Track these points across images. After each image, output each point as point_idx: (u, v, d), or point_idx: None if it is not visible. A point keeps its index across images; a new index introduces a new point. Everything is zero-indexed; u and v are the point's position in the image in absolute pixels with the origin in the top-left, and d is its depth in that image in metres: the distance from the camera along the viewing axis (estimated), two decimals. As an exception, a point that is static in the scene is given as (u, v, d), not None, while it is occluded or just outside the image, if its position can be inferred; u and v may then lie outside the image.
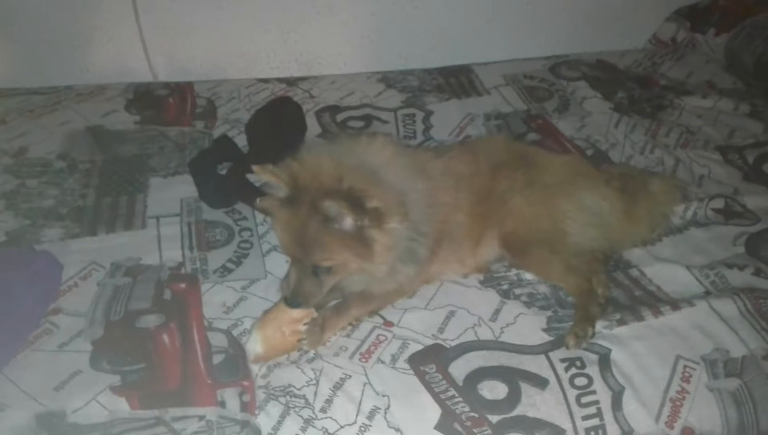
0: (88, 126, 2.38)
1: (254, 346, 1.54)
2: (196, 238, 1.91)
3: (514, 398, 1.49)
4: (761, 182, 2.21)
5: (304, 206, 1.45)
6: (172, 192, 2.08)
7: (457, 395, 1.49)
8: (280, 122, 2.30)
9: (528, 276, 1.81)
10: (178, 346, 1.57)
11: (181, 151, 2.28)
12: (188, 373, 1.52)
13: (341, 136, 2.21)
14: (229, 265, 1.83)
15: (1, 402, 1.44)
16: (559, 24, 3.17)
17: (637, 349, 1.60)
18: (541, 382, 1.53)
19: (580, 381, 1.53)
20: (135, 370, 1.52)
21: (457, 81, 2.79)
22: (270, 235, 1.92)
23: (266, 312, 1.61)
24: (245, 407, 1.46)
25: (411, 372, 1.54)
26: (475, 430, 1.44)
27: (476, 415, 1.46)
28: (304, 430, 1.42)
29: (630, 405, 1.50)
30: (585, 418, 1.48)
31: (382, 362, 1.56)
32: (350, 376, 1.53)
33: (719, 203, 2.09)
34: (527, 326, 1.67)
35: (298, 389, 1.49)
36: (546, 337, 1.64)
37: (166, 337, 1.59)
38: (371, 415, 1.46)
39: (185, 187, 2.10)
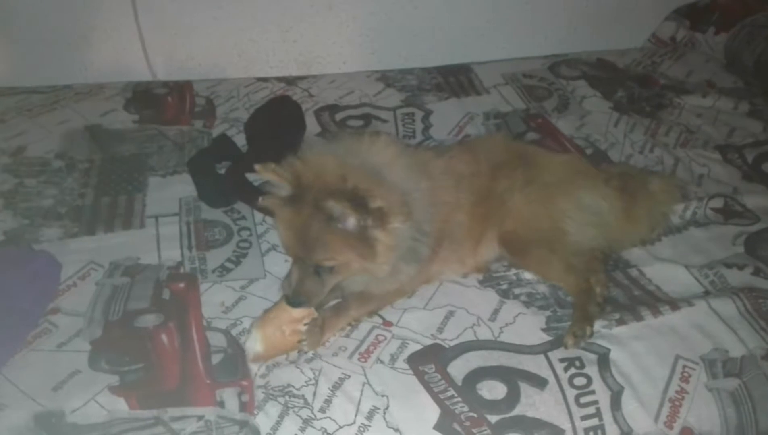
0: (86, 125, 2.38)
1: (254, 344, 1.54)
2: (195, 238, 1.91)
3: (513, 398, 1.49)
4: (761, 181, 2.21)
5: (306, 205, 1.45)
6: (170, 191, 2.08)
7: (456, 395, 1.49)
8: (279, 121, 2.29)
9: (527, 275, 1.81)
10: (177, 346, 1.57)
11: (180, 151, 2.28)
12: (187, 373, 1.52)
13: (343, 134, 2.21)
14: (228, 265, 1.83)
15: (-1, 402, 1.44)
16: (559, 23, 3.17)
17: (637, 349, 1.60)
18: (540, 382, 1.52)
19: (579, 381, 1.53)
20: (134, 369, 1.52)
21: (456, 80, 2.79)
22: (269, 234, 1.92)
23: (266, 311, 1.61)
24: (244, 407, 1.46)
25: (410, 372, 1.54)
26: (474, 430, 1.44)
27: (475, 415, 1.46)
28: (303, 430, 1.42)
29: (629, 405, 1.50)
30: (584, 418, 1.48)
31: (381, 362, 1.56)
32: (349, 376, 1.52)
33: (719, 203, 2.09)
34: (526, 326, 1.66)
35: (297, 389, 1.49)
36: (545, 337, 1.64)
37: (164, 337, 1.59)
38: (370, 415, 1.45)
39: (184, 186, 2.09)
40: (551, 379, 1.53)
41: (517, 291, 1.77)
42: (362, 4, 2.92)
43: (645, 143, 2.39)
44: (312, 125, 2.43)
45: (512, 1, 3.06)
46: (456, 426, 1.44)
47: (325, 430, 1.43)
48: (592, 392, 1.52)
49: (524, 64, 2.91)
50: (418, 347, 1.60)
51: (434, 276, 1.77)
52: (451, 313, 1.69)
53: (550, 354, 1.58)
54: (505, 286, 1.78)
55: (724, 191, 2.14)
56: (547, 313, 1.70)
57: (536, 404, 1.49)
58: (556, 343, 1.61)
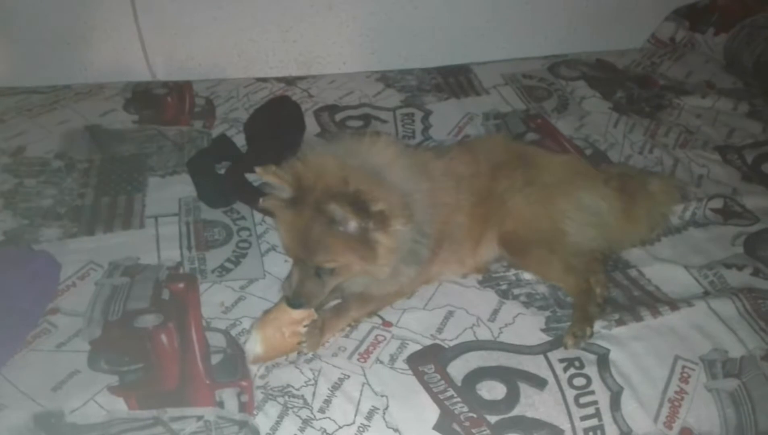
0: (86, 125, 2.38)
1: (254, 346, 1.54)
2: (195, 238, 1.91)
3: (512, 398, 1.49)
4: (760, 182, 2.21)
5: (308, 207, 1.45)
6: (170, 191, 2.08)
7: (455, 395, 1.49)
8: (278, 122, 2.29)
9: (527, 276, 1.81)
10: (177, 346, 1.57)
11: (179, 151, 2.28)
12: (186, 373, 1.52)
13: (343, 135, 2.21)
14: (228, 265, 1.83)
15: (-1, 402, 1.44)
16: (558, 23, 3.17)
17: (636, 350, 1.60)
18: (539, 383, 1.53)
19: (579, 381, 1.53)
20: (133, 370, 1.52)
21: (456, 80, 2.79)
22: (268, 234, 1.92)
23: (266, 312, 1.61)
24: (243, 407, 1.46)
25: (410, 372, 1.54)
26: (473, 431, 1.44)
27: (475, 416, 1.46)
28: (302, 430, 1.42)
29: (628, 405, 1.50)
30: (583, 418, 1.48)
31: (381, 362, 1.56)
32: (349, 377, 1.52)
33: (718, 203, 2.09)
34: (526, 326, 1.67)
35: (297, 389, 1.49)
36: (545, 337, 1.64)
37: (164, 337, 1.59)
38: (370, 416, 1.45)
39: (184, 186, 2.09)
40: (551, 380, 1.53)
41: (516, 291, 1.77)
42: (362, 4, 2.92)
43: (644, 144, 2.39)
44: (311, 125, 2.43)
45: (512, 1, 3.06)
46: (455, 426, 1.44)
47: (325, 431, 1.43)
48: (592, 392, 1.52)
49: (524, 65, 2.92)
50: (418, 347, 1.60)
51: (434, 277, 1.77)
52: (450, 314, 1.69)
53: (549, 354, 1.58)
54: (504, 287, 1.78)
55: (724, 192, 2.14)
56: (547, 313, 1.70)
57: (536, 404, 1.49)
58: (556, 343, 1.61)
